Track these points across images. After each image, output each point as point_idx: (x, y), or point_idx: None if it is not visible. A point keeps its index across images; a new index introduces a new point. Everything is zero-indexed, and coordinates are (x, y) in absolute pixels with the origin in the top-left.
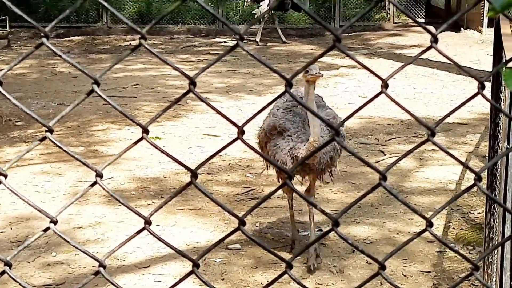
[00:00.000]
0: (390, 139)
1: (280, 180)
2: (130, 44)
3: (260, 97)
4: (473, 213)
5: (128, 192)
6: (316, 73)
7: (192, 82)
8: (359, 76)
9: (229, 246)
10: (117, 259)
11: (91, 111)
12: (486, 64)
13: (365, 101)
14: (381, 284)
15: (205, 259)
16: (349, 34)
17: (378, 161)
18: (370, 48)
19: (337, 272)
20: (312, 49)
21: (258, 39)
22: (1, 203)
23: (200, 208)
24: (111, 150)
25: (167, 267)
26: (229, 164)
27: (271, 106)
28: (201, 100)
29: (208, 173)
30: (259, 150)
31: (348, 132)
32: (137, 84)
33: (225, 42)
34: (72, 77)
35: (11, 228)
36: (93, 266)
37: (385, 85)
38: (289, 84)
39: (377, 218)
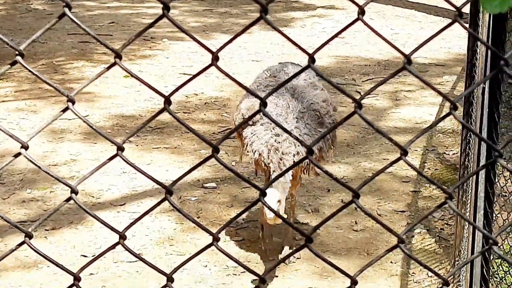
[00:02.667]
0: (367, 80)
1: (257, 171)
2: None
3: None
4: (448, 154)
5: (104, 130)
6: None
7: (166, 7)
8: (337, 16)
9: (205, 185)
10: (92, 196)
11: (66, 49)
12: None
13: (341, 28)
14: (356, 223)
15: (180, 197)
16: None
17: (352, 103)
18: None
19: (312, 211)
20: None
21: None
22: None
23: (176, 147)
24: (86, 87)
25: (142, 205)
26: (205, 103)
27: (250, 84)
28: (176, 25)
29: (184, 112)
30: (235, 78)
31: (325, 72)
32: (112, 22)
33: None
34: (47, 14)
35: None
36: (68, 204)
37: (361, 11)
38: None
39: (353, 158)
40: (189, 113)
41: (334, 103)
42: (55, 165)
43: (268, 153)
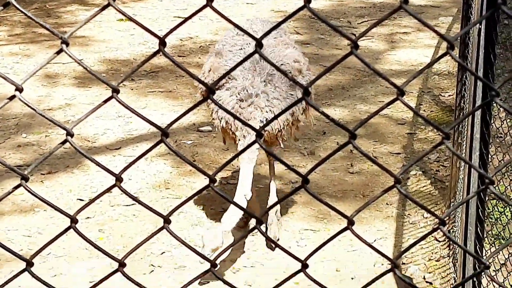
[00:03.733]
0: (362, 22)
1: (225, 140)
2: None
3: None
4: (444, 96)
5: (98, 74)
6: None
7: None
8: None
9: (200, 128)
10: (88, 140)
11: None
12: None
13: None
14: (352, 166)
15: (176, 141)
16: None
17: (349, 44)
18: None
19: (308, 154)
20: None
21: None
22: None
23: (171, 91)
24: (80, 31)
25: (138, 148)
26: (200, 46)
27: (216, 43)
28: None
29: (179, 56)
30: (230, 19)
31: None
32: None
33: None
34: None
35: None
36: (64, 148)
37: None
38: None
39: (348, 101)
40: (183, 56)
41: (307, 62)
42: (50, 109)
43: (234, 120)
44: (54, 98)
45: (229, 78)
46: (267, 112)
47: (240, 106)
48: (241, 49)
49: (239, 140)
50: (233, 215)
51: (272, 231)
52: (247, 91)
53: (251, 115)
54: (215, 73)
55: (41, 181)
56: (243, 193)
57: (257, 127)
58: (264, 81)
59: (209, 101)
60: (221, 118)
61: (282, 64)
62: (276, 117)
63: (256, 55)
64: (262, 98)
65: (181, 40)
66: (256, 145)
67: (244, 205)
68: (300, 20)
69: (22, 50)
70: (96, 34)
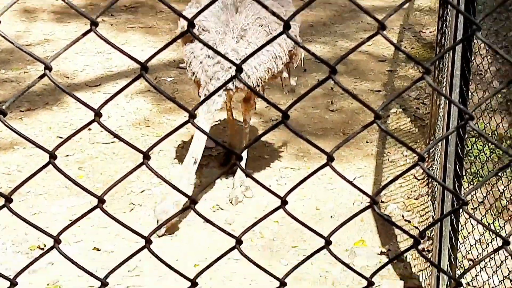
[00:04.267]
0: None
1: (199, 92)
2: None
3: None
4: (425, 32)
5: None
6: None
7: None
8: None
9: (180, 65)
10: (67, 77)
11: None
12: None
13: None
14: (332, 104)
15: (156, 78)
16: None
17: None
18: None
19: (287, 92)
20: None
21: None
22: None
23: (151, 26)
24: None
25: (118, 85)
26: None
27: None
28: None
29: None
30: None
31: None
32: None
33: None
34: None
35: None
36: (43, 84)
37: None
38: None
39: (329, 37)
40: None
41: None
42: (29, 45)
43: (202, 74)
44: (32, 33)
45: (203, 30)
46: (233, 71)
47: (207, 63)
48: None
49: (200, 95)
50: (180, 182)
51: (234, 194)
52: (216, 47)
53: (215, 74)
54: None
55: (20, 118)
56: (192, 157)
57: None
58: (235, 37)
59: (184, 52)
60: (193, 72)
61: (258, 18)
62: (252, 54)
63: (234, 9)
64: (231, 57)
65: None
66: (220, 98)
67: (192, 171)
68: None
69: None
70: None
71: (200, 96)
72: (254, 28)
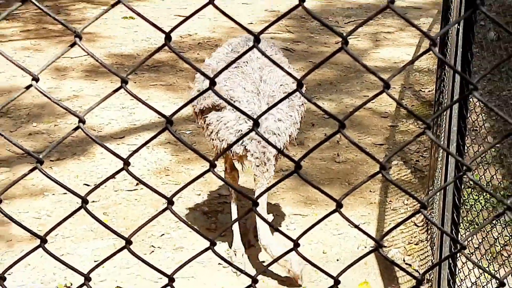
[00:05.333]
0: (349, 22)
1: (217, 157)
2: None
3: None
4: (424, 91)
5: (103, 68)
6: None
7: None
8: None
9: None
10: (94, 130)
11: None
12: None
13: None
14: (338, 156)
15: (175, 131)
16: None
17: (337, 42)
18: None
19: (297, 144)
20: None
21: None
22: None
23: (171, 84)
24: (87, 28)
25: (140, 137)
26: (198, 43)
27: (209, 59)
28: None
29: (179, 51)
30: (230, 15)
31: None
32: None
33: None
34: None
35: None
36: (71, 136)
37: None
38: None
39: (336, 95)
40: (183, 52)
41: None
42: (59, 100)
43: (239, 145)
44: (62, 90)
45: (234, 100)
46: (278, 135)
47: (250, 137)
48: (237, 67)
49: (256, 166)
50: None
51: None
52: (256, 115)
53: (262, 148)
54: (214, 96)
55: (50, 167)
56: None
57: (274, 152)
58: (267, 104)
59: (208, 120)
60: (222, 139)
61: (281, 85)
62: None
63: (258, 78)
64: (271, 121)
65: (180, 37)
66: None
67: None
68: (291, 19)
69: (34, 45)
70: (102, 30)
71: (231, 160)
72: (279, 95)
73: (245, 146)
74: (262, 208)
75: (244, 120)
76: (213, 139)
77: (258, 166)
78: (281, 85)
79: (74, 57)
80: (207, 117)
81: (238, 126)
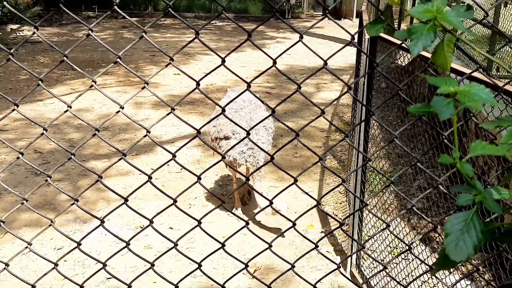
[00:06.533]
0: (302, 77)
1: (227, 166)
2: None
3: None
4: (344, 117)
5: (162, 103)
6: None
7: (197, 33)
8: (287, 43)
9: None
10: (156, 137)
11: (142, 58)
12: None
13: (285, 49)
14: (296, 153)
15: (203, 139)
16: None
17: (295, 89)
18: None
19: (272, 147)
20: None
21: None
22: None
23: (201, 112)
24: (152, 79)
25: (183, 142)
26: (216, 89)
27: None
28: (202, 43)
29: (205, 93)
30: (235, 73)
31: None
32: (167, 45)
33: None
34: (132, 39)
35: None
36: (143, 141)
37: (300, 36)
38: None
39: (295, 118)
40: (207, 94)
41: (272, 119)
42: (136, 120)
43: (242, 158)
44: (138, 115)
45: (233, 134)
46: (260, 153)
47: (252, 153)
48: (236, 111)
49: (251, 167)
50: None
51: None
52: (248, 144)
53: (255, 154)
54: (221, 128)
55: (131, 159)
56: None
57: (261, 162)
58: (256, 134)
59: (220, 144)
60: (230, 156)
61: (262, 121)
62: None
63: (248, 118)
64: (261, 144)
65: (206, 85)
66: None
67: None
68: (269, 76)
69: (122, 89)
70: (161, 81)
71: (229, 167)
72: (261, 128)
73: (246, 159)
74: (260, 187)
75: (244, 144)
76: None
77: (254, 166)
78: (263, 125)
79: (145, 96)
80: (219, 143)
81: (239, 148)
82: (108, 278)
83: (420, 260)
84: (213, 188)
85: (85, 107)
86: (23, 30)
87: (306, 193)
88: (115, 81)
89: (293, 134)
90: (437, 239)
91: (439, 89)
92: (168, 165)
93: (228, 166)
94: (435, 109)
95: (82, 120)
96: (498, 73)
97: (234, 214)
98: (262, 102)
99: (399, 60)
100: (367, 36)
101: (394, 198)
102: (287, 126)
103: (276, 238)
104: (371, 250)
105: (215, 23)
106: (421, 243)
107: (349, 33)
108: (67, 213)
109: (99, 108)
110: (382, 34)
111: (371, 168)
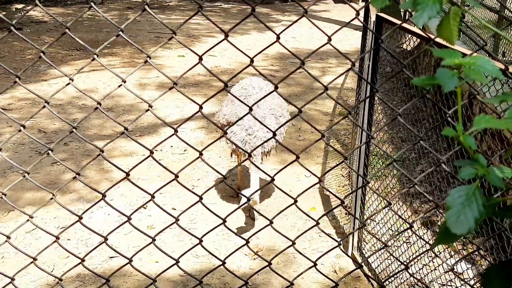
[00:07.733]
0: (307, 60)
1: (232, 154)
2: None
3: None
4: (348, 99)
5: (167, 83)
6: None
7: (200, 7)
8: (293, 26)
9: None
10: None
11: (147, 40)
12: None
13: (290, 24)
14: (300, 136)
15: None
16: (288, 3)
17: (301, 66)
18: (298, 11)
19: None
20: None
21: None
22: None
23: (205, 94)
24: (158, 61)
25: (187, 123)
26: (221, 71)
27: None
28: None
29: (210, 76)
30: (241, 50)
31: (281, 55)
32: (172, 26)
33: None
34: (137, 21)
35: (104, 101)
36: (148, 123)
37: (305, 11)
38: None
39: (299, 101)
40: (212, 76)
41: (287, 107)
42: (140, 103)
43: (242, 145)
44: (143, 96)
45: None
46: (261, 140)
47: (249, 138)
48: (244, 98)
49: (250, 156)
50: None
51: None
52: (252, 128)
53: (255, 143)
54: (228, 115)
55: (136, 139)
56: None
57: (260, 152)
58: (263, 121)
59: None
60: (232, 143)
61: (270, 109)
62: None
63: (254, 105)
64: (261, 133)
65: (210, 67)
66: (259, 156)
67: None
68: (274, 59)
69: (126, 71)
70: (165, 62)
71: (234, 155)
72: (269, 116)
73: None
74: (255, 179)
75: (244, 130)
76: (228, 142)
77: (253, 156)
78: (270, 109)
79: (151, 77)
80: (225, 128)
81: (240, 135)
82: (111, 257)
83: (419, 236)
84: (216, 167)
85: (90, 88)
86: (27, 10)
87: (308, 170)
88: (119, 62)
89: (297, 118)
90: (439, 223)
91: (444, 60)
92: (171, 146)
93: (232, 155)
94: (440, 80)
95: (83, 93)
96: (504, 58)
97: (234, 190)
98: (265, 78)
99: (404, 44)
100: (372, 19)
101: (397, 181)
102: (290, 102)
103: (277, 215)
104: (372, 234)
105: (221, 5)
106: (422, 227)
107: (354, 8)
108: (71, 192)
109: (103, 88)
110: (387, 17)
111: (374, 152)
